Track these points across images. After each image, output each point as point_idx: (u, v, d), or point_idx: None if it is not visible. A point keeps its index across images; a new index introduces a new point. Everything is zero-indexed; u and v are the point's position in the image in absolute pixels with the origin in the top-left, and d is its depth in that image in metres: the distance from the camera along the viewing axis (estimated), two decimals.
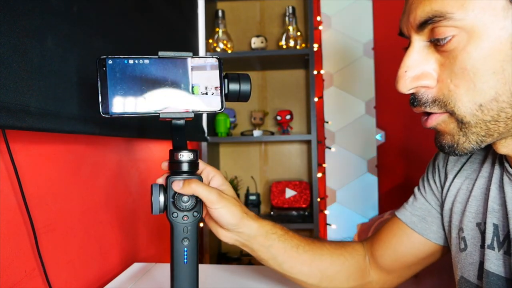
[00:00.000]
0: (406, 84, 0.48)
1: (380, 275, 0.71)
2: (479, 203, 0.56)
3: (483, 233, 0.54)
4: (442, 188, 0.64)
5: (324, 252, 0.68)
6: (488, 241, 0.52)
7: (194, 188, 0.51)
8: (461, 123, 0.45)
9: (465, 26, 0.42)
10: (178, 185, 0.51)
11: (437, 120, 0.48)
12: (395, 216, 0.70)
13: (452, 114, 0.45)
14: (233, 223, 0.57)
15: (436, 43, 0.45)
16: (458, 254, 0.58)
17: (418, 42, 0.47)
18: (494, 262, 0.51)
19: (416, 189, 0.70)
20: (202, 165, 0.59)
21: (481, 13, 0.41)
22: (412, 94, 0.49)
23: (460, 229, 0.58)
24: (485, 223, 0.53)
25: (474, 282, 0.55)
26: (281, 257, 0.63)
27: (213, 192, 0.54)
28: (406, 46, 0.50)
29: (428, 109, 0.47)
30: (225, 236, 0.60)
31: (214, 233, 0.61)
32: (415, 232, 0.66)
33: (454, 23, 0.42)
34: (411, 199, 0.70)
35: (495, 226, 0.52)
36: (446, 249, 0.66)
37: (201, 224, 1.71)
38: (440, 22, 0.42)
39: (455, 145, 0.47)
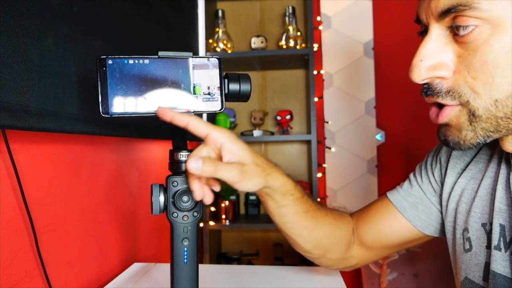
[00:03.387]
0: (421, 73, 0.46)
1: (360, 251, 0.72)
2: (484, 204, 0.55)
3: (489, 234, 0.53)
4: (442, 183, 0.64)
5: (326, 221, 0.67)
6: (494, 242, 0.51)
7: (213, 170, 0.45)
8: (472, 116, 0.44)
9: (490, 18, 0.40)
10: (196, 164, 0.43)
11: (449, 115, 0.46)
12: (386, 197, 0.70)
13: (465, 105, 0.44)
14: (259, 187, 0.53)
15: (455, 32, 0.43)
16: (463, 254, 0.57)
17: (437, 31, 0.45)
18: (501, 263, 0.50)
19: (411, 175, 0.70)
20: (205, 128, 0.49)
21: (509, 6, 0.40)
22: (426, 83, 0.48)
23: (465, 230, 0.57)
24: (491, 223, 0.52)
25: (479, 283, 0.54)
26: (289, 218, 0.62)
27: (234, 169, 0.48)
28: (421, 31, 0.49)
29: (440, 100, 0.46)
30: (250, 180, 0.52)
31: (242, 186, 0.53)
32: (404, 217, 0.67)
33: (478, 14, 0.40)
34: (406, 184, 0.70)
35: (502, 227, 0.51)
36: (428, 238, 0.68)
37: (201, 224, 1.71)
38: (465, 12, 0.41)
39: (461, 141, 0.46)
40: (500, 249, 0.51)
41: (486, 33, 0.41)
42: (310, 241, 0.66)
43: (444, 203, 0.63)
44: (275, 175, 0.56)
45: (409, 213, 0.67)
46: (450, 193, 0.61)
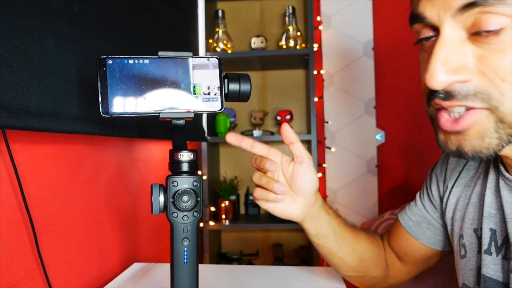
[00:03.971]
0: (443, 79, 0.41)
1: (398, 266, 0.72)
2: (475, 209, 0.55)
3: (479, 239, 0.53)
4: (442, 197, 0.64)
5: (361, 235, 0.69)
6: (484, 246, 0.51)
7: (294, 136, 0.59)
8: (500, 123, 0.40)
9: None
10: (286, 127, 0.59)
11: (475, 119, 0.41)
12: (397, 218, 0.71)
13: (493, 111, 0.40)
14: (316, 183, 0.58)
15: (474, 32, 0.39)
16: (459, 261, 0.58)
17: (451, 30, 0.40)
18: (491, 267, 0.50)
19: (417, 194, 0.71)
20: (264, 149, 0.61)
21: None
22: (443, 89, 0.43)
23: (461, 236, 0.58)
24: (481, 228, 0.52)
25: None
26: (338, 232, 0.63)
27: (306, 158, 0.58)
28: (421, 38, 0.44)
29: (469, 103, 0.41)
30: (298, 209, 0.60)
31: (285, 211, 0.59)
32: (411, 236, 0.68)
33: (505, 10, 0.36)
34: (412, 203, 0.71)
35: (493, 231, 0.51)
36: (445, 253, 0.67)
37: (201, 224, 1.71)
38: (490, 7, 0.36)
39: (484, 150, 0.42)
40: (490, 253, 0.50)
41: None
42: (355, 256, 0.67)
43: (444, 214, 0.63)
44: None
45: (415, 232, 0.67)
46: (447, 202, 0.62)
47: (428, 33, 0.44)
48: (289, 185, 0.59)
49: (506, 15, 0.37)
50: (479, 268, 0.53)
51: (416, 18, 0.43)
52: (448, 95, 0.42)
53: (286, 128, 0.57)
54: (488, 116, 0.41)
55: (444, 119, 0.44)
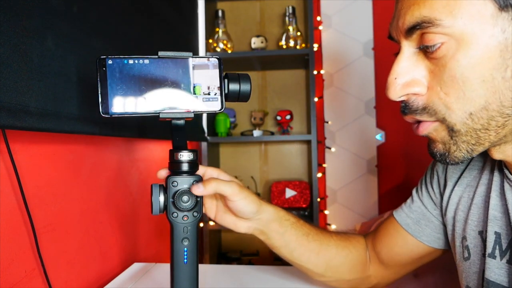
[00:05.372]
0: (396, 91, 0.47)
1: (378, 269, 0.72)
2: (480, 211, 0.55)
3: (484, 242, 0.53)
4: (442, 194, 0.63)
5: (331, 242, 0.69)
6: (489, 250, 0.51)
7: (215, 186, 0.54)
8: (452, 131, 0.45)
9: (454, 33, 0.41)
10: (198, 188, 0.51)
11: (428, 128, 0.47)
12: (392, 215, 0.71)
13: (443, 122, 0.45)
14: (255, 210, 0.60)
15: (425, 50, 0.44)
16: (462, 263, 0.57)
17: (408, 49, 0.46)
18: (495, 271, 0.50)
19: (414, 191, 0.70)
20: (202, 168, 0.61)
21: (470, 21, 0.40)
22: (403, 102, 0.49)
23: (464, 238, 0.57)
24: (486, 231, 0.52)
25: None
26: (293, 244, 0.65)
27: (233, 185, 0.57)
28: (397, 52, 0.49)
29: (418, 117, 0.47)
30: (243, 227, 0.62)
31: (231, 227, 0.63)
32: (409, 234, 0.67)
33: (442, 30, 0.41)
34: (409, 200, 0.70)
35: (497, 235, 0.50)
36: (441, 251, 0.67)
37: (201, 224, 1.71)
38: (429, 29, 0.42)
39: (447, 153, 0.47)
40: (494, 257, 0.50)
41: (453, 48, 0.41)
42: (320, 264, 0.68)
43: (444, 213, 0.63)
44: (265, 203, 0.63)
45: (413, 230, 0.67)
46: (448, 201, 0.61)
47: (398, 49, 0.49)
48: (231, 212, 0.62)
49: (442, 34, 0.41)
50: (483, 272, 0.52)
51: (390, 37, 0.50)
52: (406, 108, 0.48)
53: (197, 190, 0.51)
54: (440, 126, 0.46)
55: (413, 126, 0.50)
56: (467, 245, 0.56)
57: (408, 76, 0.46)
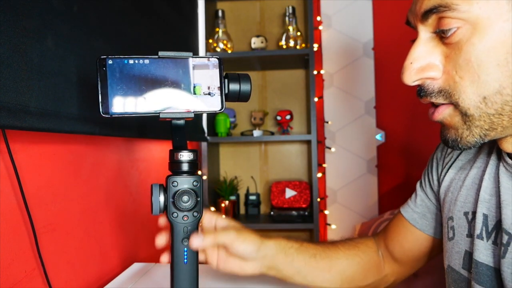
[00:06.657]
0: (411, 75, 0.48)
1: (394, 267, 0.73)
2: (468, 193, 0.56)
3: (470, 223, 0.54)
4: (439, 181, 0.64)
5: (339, 255, 0.69)
6: (477, 231, 0.52)
7: (212, 239, 0.56)
8: (465, 116, 0.45)
9: (470, 18, 0.42)
10: (197, 241, 0.51)
11: (443, 113, 0.48)
12: (400, 212, 0.71)
13: (456, 106, 0.46)
14: (256, 249, 0.60)
15: (441, 35, 0.45)
16: (447, 243, 0.59)
17: (424, 34, 0.47)
18: (483, 252, 0.51)
19: (418, 185, 0.71)
20: (207, 216, 0.63)
21: (485, 5, 0.41)
22: (419, 86, 0.49)
23: (450, 218, 0.58)
24: (474, 212, 0.53)
25: (459, 271, 0.55)
26: (304, 269, 0.65)
27: (230, 232, 0.58)
28: (414, 39, 0.50)
29: (434, 100, 0.48)
30: (250, 268, 0.62)
31: (237, 271, 0.62)
32: (417, 229, 0.67)
33: (458, 15, 0.42)
34: (413, 195, 0.71)
35: (485, 216, 0.52)
36: None
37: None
38: (445, 13, 0.43)
39: (459, 139, 0.47)
40: (482, 238, 0.51)
41: (468, 33, 0.42)
42: (335, 280, 0.68)
43: (439, 197, 0.64)
44: (266, 239, 0.63)
45: (420, 224, 0.67)
46: (441, 184, 0.62)
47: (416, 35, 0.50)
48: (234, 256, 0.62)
49: (458, 18, 0.42)
50: (466, 252, 0.54)
51: (407, 22, 0.51)
52: (421, 91, 0.49)
53: (194, 243, 0.51)
54: (454, 110, 0.47)
55: (429, 110, 0.50)
56: (453, 226, 0.57)
57: (424, 61, 0.47)
